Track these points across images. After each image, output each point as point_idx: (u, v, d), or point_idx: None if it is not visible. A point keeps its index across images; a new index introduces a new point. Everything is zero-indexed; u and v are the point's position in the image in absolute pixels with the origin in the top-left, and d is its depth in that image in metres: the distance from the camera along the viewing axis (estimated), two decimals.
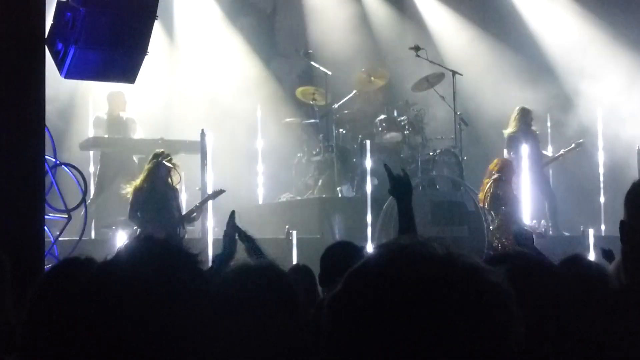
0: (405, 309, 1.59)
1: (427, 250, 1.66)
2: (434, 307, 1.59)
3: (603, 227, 15.76)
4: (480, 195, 13.64)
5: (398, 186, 5.45)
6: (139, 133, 15.12)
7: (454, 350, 1.57)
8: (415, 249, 1.66)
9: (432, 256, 1.65)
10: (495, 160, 13.93)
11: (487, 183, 13.47)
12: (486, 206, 13.36)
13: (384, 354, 1.58)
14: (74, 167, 10.27)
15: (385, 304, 1.60)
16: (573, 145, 16.05)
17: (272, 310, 3.25)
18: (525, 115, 15.75)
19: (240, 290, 3.25)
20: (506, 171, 13.45)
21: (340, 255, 5.70)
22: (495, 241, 13.16)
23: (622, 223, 3.28)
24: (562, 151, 16.09)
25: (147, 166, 12.39)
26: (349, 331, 1.62)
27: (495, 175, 13.41)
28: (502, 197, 13.26)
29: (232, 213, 6.50)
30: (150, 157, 12.45)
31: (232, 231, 6.27)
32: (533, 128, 16.05)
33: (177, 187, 12.59)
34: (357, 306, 1.62)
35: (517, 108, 15.91)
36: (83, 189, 10.10)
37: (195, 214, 12.55)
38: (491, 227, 13.29)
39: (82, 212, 10.15)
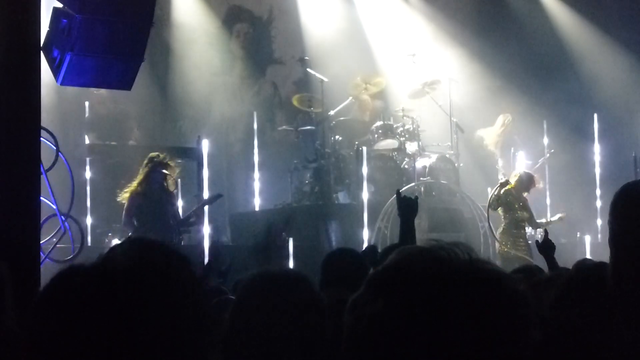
0: (428, 313, 1.60)
1: (449, 254, 1.66)
2: (456, 311, 1.60)
3: (600, 234, 15.74)
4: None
5: (405, 208, 6.04)
6: (135, 132, 15.13)
7: (474, 352, 1.58)
8: (438, 253, 1.67)
9: (455, 261, 1.65)
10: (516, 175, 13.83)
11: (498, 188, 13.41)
12: (491, 209, 13.29)
13: (406, 356, 1.59)
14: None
15: (408, 307, 1.61)
16: (547, 155, 16.13)
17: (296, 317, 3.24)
18: (510, 123, 15.86)
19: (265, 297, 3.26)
20: (521, 180, 13.36)
21: (343, 262, 5.73)
22: (502, 247, 13.11)
23: (609, 222, 3.29)
24: (541, 160, 16.13)
25: (142, 171, 12.32)
26: (372, 334, 1.63)
27: (503, 180, 13.40)
28: (509, 202, 13.19)
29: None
30: (146, 161, 12.40)
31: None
32: (515, 137, 16.13)
33: (174, 192, 12.51)
34: (380, 309, 1.63)
35: (502, 116, 15.98)
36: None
37: (193, 218, 12.50)
38: (497, 232, 13.24)
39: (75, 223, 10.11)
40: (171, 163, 12.36)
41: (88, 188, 14.48)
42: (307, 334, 3.25)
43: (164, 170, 12.18)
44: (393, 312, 1.62)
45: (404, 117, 15.45)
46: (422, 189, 14.84)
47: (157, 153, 12.55)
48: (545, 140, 16.76)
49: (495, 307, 1.62)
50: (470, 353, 1.59)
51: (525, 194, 13.43)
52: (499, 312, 1.62)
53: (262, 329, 3.16)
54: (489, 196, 13.54)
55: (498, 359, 1.60)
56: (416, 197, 6.15)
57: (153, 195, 12.14)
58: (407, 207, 6.05)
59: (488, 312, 1.61)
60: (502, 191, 13.20)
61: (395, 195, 6.39)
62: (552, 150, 16.28)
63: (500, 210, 13.27)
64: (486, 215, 13.58)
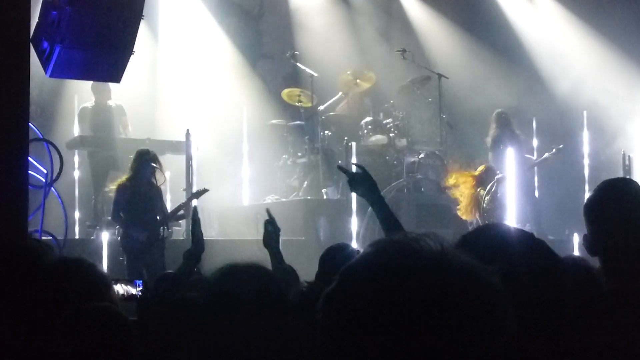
0: (399, 306, 1.58)
1: (421, 246, 1.65)
2: (427, 304, 1.59)
3: None
4: (465, 202, 13.52)
5: (356, 181, 5.07)
6: (126, 122, 15.07)
7: (448, 346, 1.57)
8: (409, 245, 1.66)
9: (426, 253, 1.64)
10: (482, 167, 13.86)
11: (471, 189, 13.37)
12: (473, 215, 13.26)
13: (379, 350, 1.58)
14: (53, 145, 10.33)
15: (379, 301, 1.60)
16: (554, 150, 16.10)
17: (261, 311, 3.22)
18: (504, 118, 15.84)
19: (228, 291, 3.23)
20: (488, 176, 13.37)
21: (342, 256, 5.72)
22: None
23: (585, 237, 3.30)
24: (545, 155, 16.12)
25: (131, 165, 12.29)
26: (343, 328, 1.62)
27: (500, 176, 13.34)
28: (490, 202, 13.18)
29: (195, 209, 6.59)
30: (134, 155, 12.37)
31: (198, 228, 6.29)
32: (517, 131, 16.11)
33: (162, 187, 12.49)
34: (352, 303, 1.62)
35: (496, 111, 16.01)
36: (57, 167, 10.09)
37: (182, 211, 12.49)
38: None
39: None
40: (156, 158, 12.31)
41: (76, 181, 14.45)
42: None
43: (153, 165, 12.12)
44: (364, 306, 1.61)
45: (394, 113, 15.45)
46: (411, 185, 14.85)
47: (146, 149, 12.52)
48: (535, 140, 16.78)
49: (467, 300, 1.61)
50: (444, 346, 1.58)
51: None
52: (472, 305, 1.61)
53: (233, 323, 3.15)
54: (485, 193, 13.49)
55: (473, 352, 1.60)
56: (362, 167, 5.21)
57: (141, 189, 12.11)
58: (359, 180, 5.10)
59: (460, 305, 1.60)
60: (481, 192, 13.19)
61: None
62: (561, 146, 16.20)
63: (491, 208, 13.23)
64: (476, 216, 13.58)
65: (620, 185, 3.57)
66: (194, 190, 12.88)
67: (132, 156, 12.42)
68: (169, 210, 12.57)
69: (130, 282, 6.88)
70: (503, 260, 2.19)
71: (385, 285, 1.61)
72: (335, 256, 5.78)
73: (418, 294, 1.59)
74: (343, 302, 1.65)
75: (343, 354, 1.63)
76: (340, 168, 5.48)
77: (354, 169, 5.34)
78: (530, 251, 2.39)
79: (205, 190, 12.61)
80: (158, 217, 12.18)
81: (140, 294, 6.75)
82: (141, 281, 7.11)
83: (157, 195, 12.29)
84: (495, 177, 13.64)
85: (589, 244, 3.30)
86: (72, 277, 2.72)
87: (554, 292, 2.35)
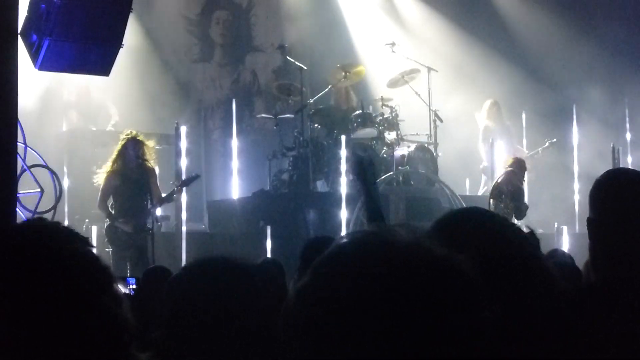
0: (371, 298, 1.57)
1: (393, 237, 1.64)
2: (399, 295, 1.57)
3: (577, 225, 15.77)
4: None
5: (361, 167, 5.52)
6: (114, 116, 15.02)
7: (422, 338, 1.56)
8: (382, 236, 1.64)
9: (398, 243, 1.63)
10: (512, 159, 13.82)
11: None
12: (491, 200, 13.25)
13: (352, 344, 1.57)
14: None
15: (354, 295, 1.58)
16: (547, 144, 16.15)
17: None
18: (495, 109, 15.89)
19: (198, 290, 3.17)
20: (519, 167, 13.38)
21: (322, 250, 5.68)
22: None
23: (589, 220, 3.29)
24: (539, 149, 16.19)
25: (116, 151, 11.98)
26: (316, 323, 1.60)
27: (509, 169, 13.34)
28: (510, 192, 13.16)
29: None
30: (119, 140, 12.12)
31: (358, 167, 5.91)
32: (507, 122, 16.16)
33: (153, 168, 12.10)
34: (326, 298, 1.60)
35: (490, 101, 16.05)
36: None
37: (175, 195, 12.28)
38: None
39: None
40: (142, 139, 12.10)
41: (65, 173, 14.41)
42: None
43: (141, 156, 11.85)
44: (341, 299, 1.59)
45: (383, 106, 15.44)
46: (401, 178, 14.85)
47: (129, 130, 12.33)
48: (524, 131, 16.80)
49: (440, 291, 1.58)
50: (418, 337, 1.56)
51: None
52: (445, 296, 1.59)
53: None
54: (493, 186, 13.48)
55: (452, 339, 1.57)
56: (369, 155, 5.74)
57: (130, 174, 11.80)
58: (363, 165, 5.54)
59: (433, 296, 1.57)
60: (503, 179, 13.21)
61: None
62: (554, 140, 16.26)
63: (497, 201, 13.19)
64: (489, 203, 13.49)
65: (627, 173, 3.56)
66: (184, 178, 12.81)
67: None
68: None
69: (122, 279, 6.79)
70: (475, 248, 2.17)
71: (356, 278, 1.59)
72: (314, 250, 5.75)
73: (389, 286, 1.57)
74: (317, 297, 1.62)
75: (316, 352, 1.61)
76: (347, 160, 5.76)
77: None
78: (504, 241, 2.38)
79: (196, 176, 12.47)
80: (147, 205, 11.82)
81: (133, 292, 6.67)
82: (134, 279, 7.03)
83: (148, 179, 11.95)
84: (504, 171, 13.62)
85: (590, 228, 3.29)
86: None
87: (528, 284, 2.35)
